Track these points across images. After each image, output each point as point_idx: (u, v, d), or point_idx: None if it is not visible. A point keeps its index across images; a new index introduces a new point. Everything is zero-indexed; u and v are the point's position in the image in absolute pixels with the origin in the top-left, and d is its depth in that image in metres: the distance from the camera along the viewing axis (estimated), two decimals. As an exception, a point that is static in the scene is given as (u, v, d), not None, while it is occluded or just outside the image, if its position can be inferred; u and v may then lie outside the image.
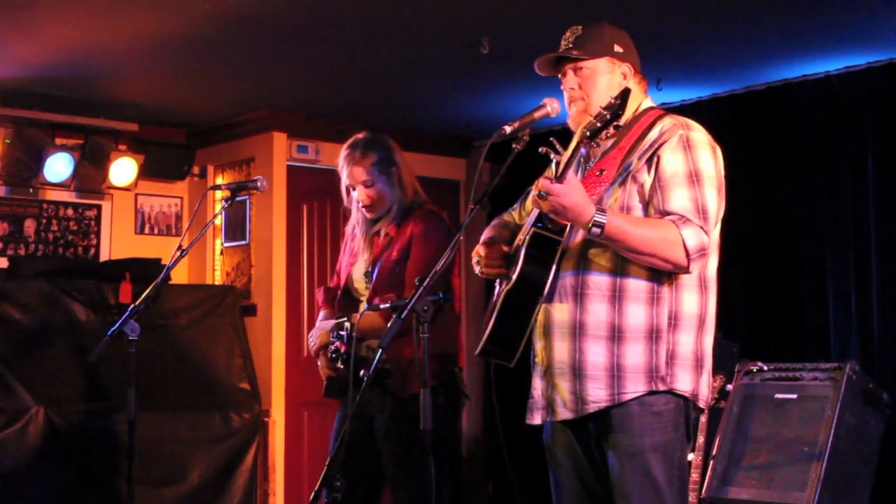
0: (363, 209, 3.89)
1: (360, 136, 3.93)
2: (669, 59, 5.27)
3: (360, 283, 3.91)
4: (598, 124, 2.75)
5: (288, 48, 5.17)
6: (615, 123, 2.75)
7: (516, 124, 2.88)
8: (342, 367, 3.73)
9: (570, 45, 2.97)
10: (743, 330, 5.16)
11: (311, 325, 4.00)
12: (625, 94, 2.76)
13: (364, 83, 5.86)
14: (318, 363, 3.91)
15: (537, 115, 2.92)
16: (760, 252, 5.66)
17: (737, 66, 5.48)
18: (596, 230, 2.72)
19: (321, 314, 4.02)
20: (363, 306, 3.84)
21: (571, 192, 2.70)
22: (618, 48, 2.97)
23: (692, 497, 4.34)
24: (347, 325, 3.73)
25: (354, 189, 3.88)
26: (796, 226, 5.56)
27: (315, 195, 6.67)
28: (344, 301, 3.94)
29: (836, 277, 5.36)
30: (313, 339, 3.90)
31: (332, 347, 3.75)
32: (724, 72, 5.58)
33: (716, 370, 4.41)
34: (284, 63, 5.43)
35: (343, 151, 3.91)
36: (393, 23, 4.78)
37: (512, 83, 5.66)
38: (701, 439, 4.42)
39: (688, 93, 5.98)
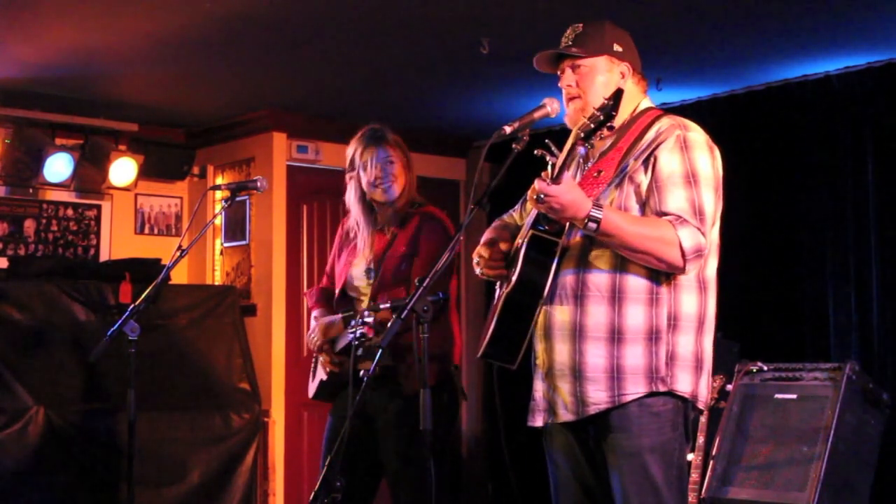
0: (381, 189, 3.79)
1: (375, 125, 3.89)
2: (669, 59, 5.27)
3: (360, 282, 3.86)
4: (592, 125, 2.75)
5: (288, 48, 5.17)
6: (609, 124, 2.75)
7: (516, 124, 2.87)
8: (362, 354, 3.55)
9: (570, 43, 2.97)
10: (743, 330, 5.16)
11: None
12: (617, 95, 2.76)
13: (364, 83, 5.85)
14: (321, 359, 3.87)
15: (537, 115, 2.92)
16: (760, 252, 5.66)
17: (737, 66, 5.48)
18: (592, 225, 2.72)
19: (315, 313, 3.96)
20: (363, 305, 3.80)
21: (568, 192, 2.70)
22: (617, 47, 2.97)
23: (692, 497, 4.34)
24: (367, 313, 3.59)
25: (372, 170, 3.77)
26: (796, 226, 5.56)
27: (315, 195, 6.67)
28: (341, 302, 3.90)
29: (836, 277, 5.36)
30: (315, 334, 3.84)
31: (360, 332, 3.58)
32: (724, 72, 5.58)
33: (716, 370, 4.42)
34: (284, 63, 5.43)
35: (364, 133, 3.84)
36: (393, 23, 4.78)
37: (512, 83, 5.66)
38: (701, 439, 4.42)
39: (688, 93, 5.98)
